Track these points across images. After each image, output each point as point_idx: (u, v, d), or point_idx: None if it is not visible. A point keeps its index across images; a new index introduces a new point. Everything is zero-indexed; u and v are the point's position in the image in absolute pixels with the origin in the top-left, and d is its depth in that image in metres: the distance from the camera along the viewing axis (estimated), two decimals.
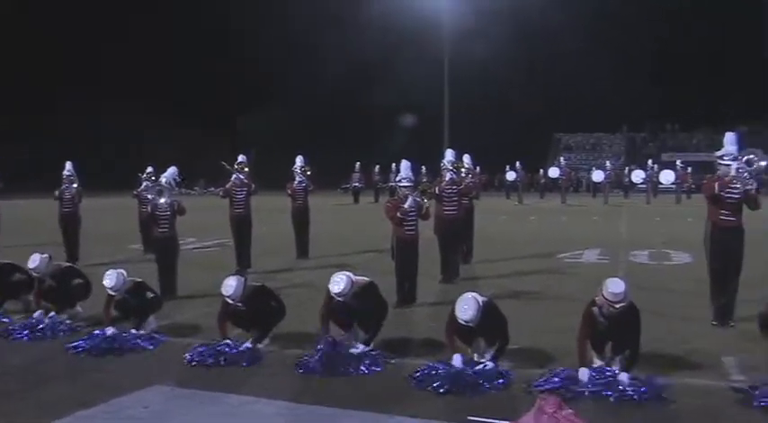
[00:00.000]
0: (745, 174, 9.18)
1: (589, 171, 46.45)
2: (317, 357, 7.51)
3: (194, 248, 17.56)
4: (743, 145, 9.66)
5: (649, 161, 42.13)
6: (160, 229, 11.88)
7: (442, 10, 46.52)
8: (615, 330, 6.94)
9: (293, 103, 55.38)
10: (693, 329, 9.07)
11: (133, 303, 8.93)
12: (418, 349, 8.24)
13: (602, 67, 55.36)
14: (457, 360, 7.13)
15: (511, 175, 41.22)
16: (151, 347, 8.43)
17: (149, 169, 16.98)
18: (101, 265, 12.91)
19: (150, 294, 9.25)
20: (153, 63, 54.10)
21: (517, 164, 39.81)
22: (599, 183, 40.80)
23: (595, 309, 6.97)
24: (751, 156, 9.39)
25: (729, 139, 9.47)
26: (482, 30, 49.38)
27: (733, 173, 9.16)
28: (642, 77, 56.35)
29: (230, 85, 55.43)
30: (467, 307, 7.06)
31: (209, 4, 55.36)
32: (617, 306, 6.77)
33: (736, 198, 9.21)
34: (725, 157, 9.31)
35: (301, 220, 16.47)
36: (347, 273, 7.82)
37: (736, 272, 9.39)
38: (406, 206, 10.87)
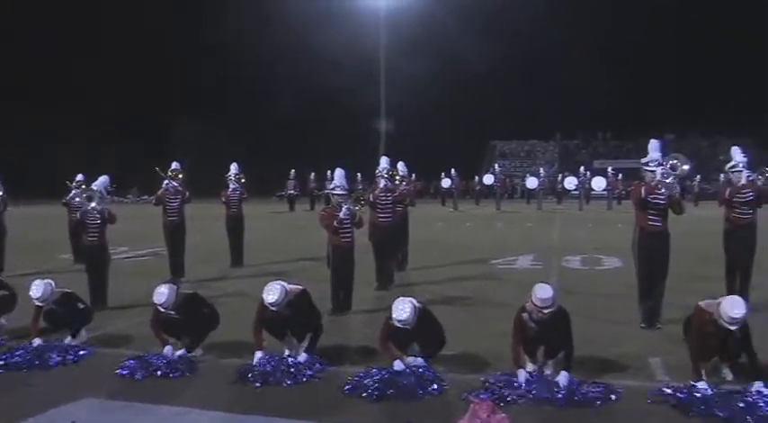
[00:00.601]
0: (670, 179, 9.44)
1: (523, 178, 47.02)
2: (255, 372, 7.48)
3: (127, 258, 17.27)
4: (667, 151, 9.97)
5: (581, 168, 42.82)
6: (89, 238, 11.63)
7: (379, 15, 46.65)
8: (546, 335, 7.05)
9: (227, 110, 54.96)
10: (623, 332, 9.28)
11: (62, 314, 8.74)
12: (353, 357, 8.24)
13: (536, 76, 56.33)
14: (398, 366, 7.17)
15: (446, 182, 41.50)
16: (80, 356, 8.27)
17: (79, 177, 16.61)
18: (27, 275, 12.57)
19: (80, 305, 9.06)
20: (83, 70, 53.06)
21: (452, 171, 40.13)
22: (533, 189, 41.31)
23: (525, 314, 7.07)
24: (674, 161, 9.65)
25: (654, 146, 9.75)
26: (418, 37, 49.74)
27: (658, 178, 9.42)
28: (575, 86, 57.26)
29: (163, 92, 54.62)
30: (403, 309, 7.11)
31: (139, 9, 54.50)
32: (545, 311, 6.88)
33: (662, 203, 9.47)
34: (650, 164, 9.58)
35: (235, 227, 16.36)
36: (281, 282, 7.77)
37: (663, 275, 9.65)
38: (341, 215, 10.88)
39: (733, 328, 6.64)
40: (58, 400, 6.82)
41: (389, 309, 7.27)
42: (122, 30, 54.44)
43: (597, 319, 9.83)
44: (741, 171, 10.69)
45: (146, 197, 40.15)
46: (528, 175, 45.25)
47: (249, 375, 7.40)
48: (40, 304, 8.58)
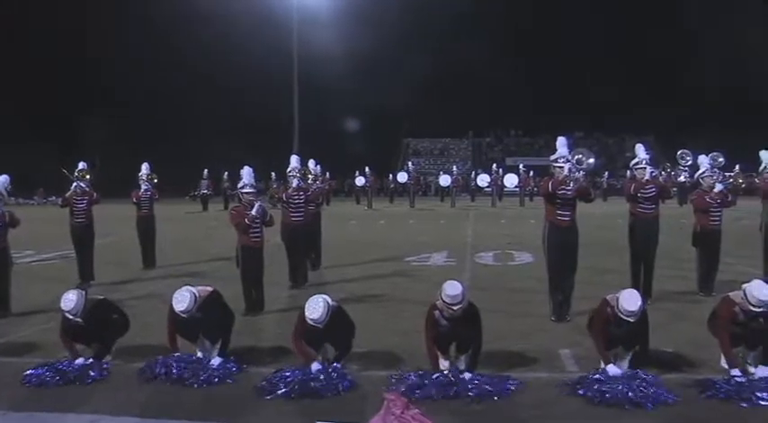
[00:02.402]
0: (577, 173, 9.71)
1: (437, 175, 47.50)
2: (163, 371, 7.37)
3: (33, 261, 16.74)
4: (575, 148, 10.26)
5: (494, 165, 43.47)
6: None
7: (291, 12, 46.37)
8: (457, 331, 7.15)
9: (136, 108, 53.72)
10: (533, 325, 9.48)
11: None
12: (267, 356, 8.18)
13: (449, 74, 56.81)
14: (315, 367, 7.17)
15: (360, 181, 41.61)
16: None
17: None
18: None
19: None
20: None
21: (366, 169, 40.29)
22: (446, 187, 41.77)
23: (436, 312, 7.17)
24: (579, 156, 9.91)
25: (561, 142, 10.01)
26: (331, 33, 49.59)
27: (566, 173, 9.67)
28: (486, 85, 58.11)
29: (71, 90, 53.05)
30: (315, 307, 7.11)
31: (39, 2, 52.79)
32: (455, 308, 6.98)
33: (569, 196, 9.73)
34: (558, 160, 9.82)
35: (147, 228, 16.02)
36: (189, 288, 7.66)
37: (572, 269, 9.92)
38: (253, 213, 10.80)
39: (631, 319, 6.91)
40: None
41: (303, 308, 7.26)
42: (30, 25, 52.66)
43: (509, 314, 10.05)
44: (645, 168, 11.13)
45: (53, 198, 38.90)
46: (441, 172, 45.75)
47: (162, 372, 7.33)
48: None
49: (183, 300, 7.46)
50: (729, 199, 11.64)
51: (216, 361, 7.57)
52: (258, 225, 10.91)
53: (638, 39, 55.25)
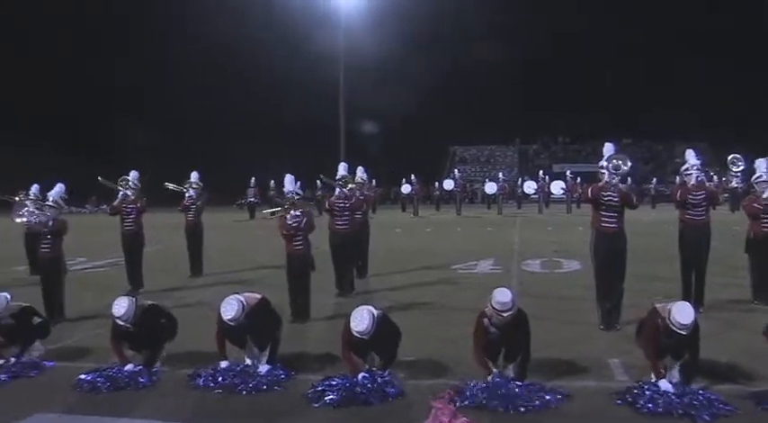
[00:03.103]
0: (615, 179, 9.57)
1: (483, 183, 47.29)
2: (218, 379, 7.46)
3: (85, 268, 17.02)
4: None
5: (541, 172, 43.21)
6: (42, 249, 11.38)
7: (339, 18, 46.52)
8: (506, 338, 7.09)
9: (183, 118, 54.33)
10: (582, 334, 9.36)
11: (17, 329, 8.53)
12: (314, 363, 8.19)
13: (496, 81, 56.60)
14: (362, 376, 7.15)
15: (406, 188, 41.65)
16: (34, 375, 8.07)
17: (34, 188, 16.28)
18: None
19: (37, 319, 8.87)
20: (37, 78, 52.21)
21: (412, 177, 40.31)
22: (492, 194, 41.56)
23: (485, 319, 7.11)
24: (615, 161, 9.74)
25: (608, 148, 9.87)
26: (379, 42, 49.70)
27: (606, 179, 9.56)
28: (535, 91, 57.85)
29: (114, 101, 53.71)
30: (361, 319, 7.09)
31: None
32: (505, 315, 6.92)
33: (615, 202, 9.59)
34: (603, 166, 9.71)
35: (194, 236, 16.21)
36: (237, 297, 7.70)
37: (620, 277, 9.76)
38: (288, 221, 10.87)
39: (683, 332, 6.74)
40: (12, 415, 6.68)
41: (349, 318, 7.25)
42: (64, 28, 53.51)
43: (556, 322, 9.92)
44: (691, 173, 10.92)
45: (104, 207, 39.47)
46: (487, 179, 45.52)
47: (210, 382, 7.38)
48: None
49: (230, 308, 7.50)
50: None
51: (264, 368, 7.61)
52: (300, 233, 10.95)
53: (691, 41, 54.46)
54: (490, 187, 41.57)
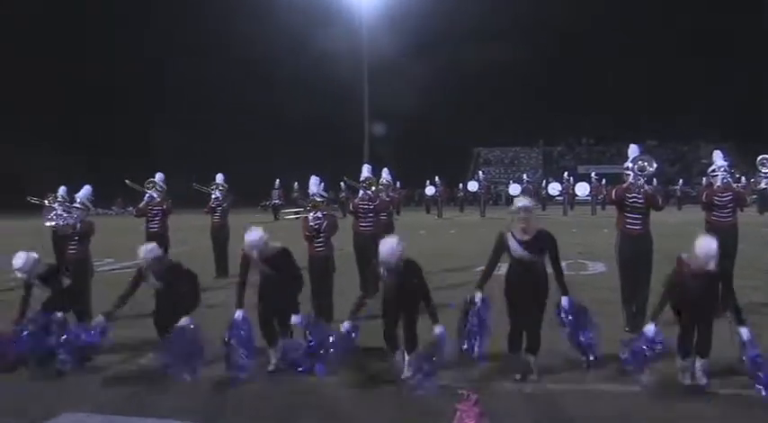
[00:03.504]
0: (640, 181, 9.51)
1: (507, 184, 47.17)
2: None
3: (112, 269, 17.14)
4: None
5: (565, 174, 43.02)
6: (70, 251, 11.51)
7: (361, 18, 46.64)
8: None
9: (208, 119, 54.59)
10: (607, 337, 9.27)
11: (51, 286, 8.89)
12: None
13: (519, 83, 56.54)
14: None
15: (430, 190, 41.68)
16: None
17: (61, 190, 16.45)
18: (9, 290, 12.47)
19: (66, 281, 9.24)
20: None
21: (436, 178, 40.30)
22: (516, 196, 41.27)
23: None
24: (641, 163, 9.70)
25: (633, 150, 9.84)
26: (401, 43, 49.79)
27: (631, 180, 9.51)
28: (558, 93, 57.72)
29: (139, 102, 54.00)
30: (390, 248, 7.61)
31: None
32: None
33: (640, 204, 9.54)
34: (629, 167, 9.68)
35: (219, 237, 16.33)
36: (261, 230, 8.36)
37: (646, 279, 9.69)
38: (310, 223, 10.91)
39: (711, 264, 6.83)
40: (37, 417, 6.75)
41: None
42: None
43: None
44: (718, 175, 10.92)
45: (130, 209, 39.79)
46: (511, 181, 45.42)
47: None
48: (22, 275, 8.74)
49: (254, 232, 8.31)
50: None
51: (297, 319, 8.07)
52: (322, 235, 10.98)
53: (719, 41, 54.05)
54: (514, 189, 41.53)
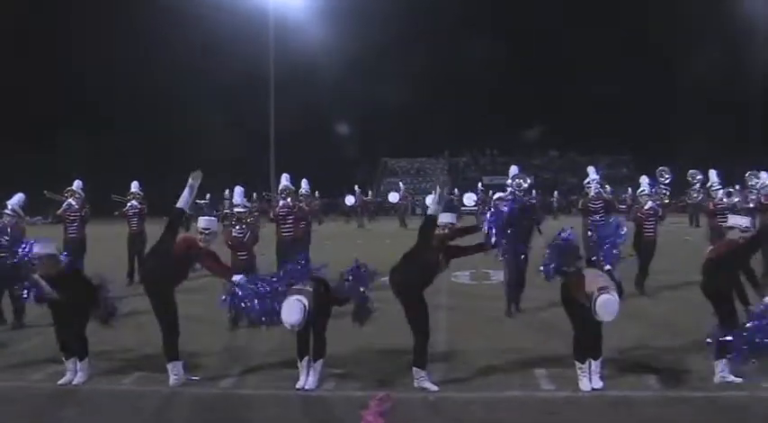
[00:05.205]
0: (518, 194, 11.83)
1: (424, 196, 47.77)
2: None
3: None
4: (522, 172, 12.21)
5: (479, 184, 43.79)
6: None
7: (269, 38, 46.67)
8: None
9: (119, 125, 53.45)
10: (509, 344, 9.82)
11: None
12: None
13: (423, 93, 57.07)
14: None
15: (350, 200, 42.27)
16: None
17: None
18: None
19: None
20: None
21: (356, 188, 41.01)
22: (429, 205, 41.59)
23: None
24: (518, 180, 12.24)
25: (513, 169, 12.61)
26: (307, 54, 49.72)
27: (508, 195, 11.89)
28: (461, 103, 58.59)
29: (50, 106, 52.34)
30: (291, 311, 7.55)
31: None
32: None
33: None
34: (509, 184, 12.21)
35: (135, 244, 16.55)
36: None
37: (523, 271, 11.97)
38: (234, 234, 11.62)
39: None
40: None
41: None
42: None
43: (483, 333, 10.48)
44: (591, 186, 14.82)
45: (38, 218, 38.49)
46: (433, 192, 45.90)
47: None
48: None
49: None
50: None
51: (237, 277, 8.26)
52: (244, 246, 11.68)
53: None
54: (430, 199, 41.69)
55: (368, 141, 60.04)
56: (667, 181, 14.95)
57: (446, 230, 8.32)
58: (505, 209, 10.75)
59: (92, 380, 8.23)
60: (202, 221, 8.63)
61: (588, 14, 55.29)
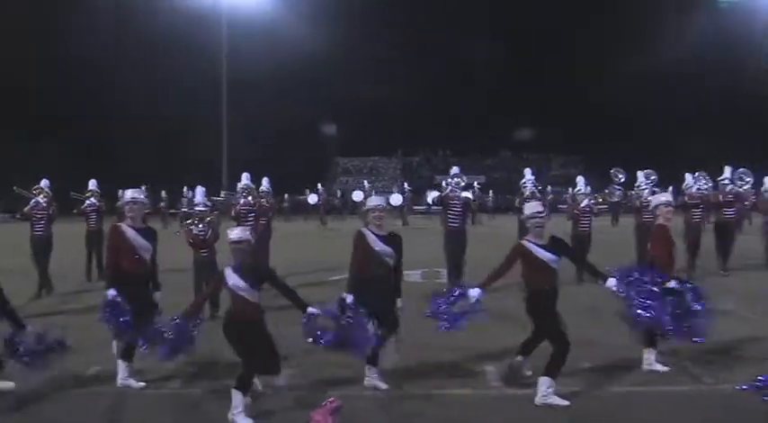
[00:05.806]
0: (457, 191, 15.12)
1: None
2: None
3: None
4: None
5: (444, 183, 44.16)
6: None
7: (221, 34, 46.83)
8: None
9: (79, 126, 52.84)
10: (458, 343, 9.53)
11: None
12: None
13: (377, 92, 57.49)
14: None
15: (313, 198, 42.58)
16: None
17: None
18: None
19: None
20: None
21: (319, 186, 41.41)
22: (396, 206, 41.32)
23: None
24: (456, 179, 15.16)
25: (454, 170, 15.42)
26: (259, 53, 49.84)
27: (449, 191, 15.01)
28: (414, 103, 59.09)
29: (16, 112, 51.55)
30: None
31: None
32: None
33: (458, 209, 15.08)
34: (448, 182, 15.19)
35: (93, 242, 16.94)
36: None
37: (462, 259, 14.67)
38: (195, 232, 12.12)
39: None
40: None
41: None
42: None
43: (434, 332, 10.69)
44: (527, 185, 17.26)
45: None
46: (395, 191, 46.51)
47: None
48: None
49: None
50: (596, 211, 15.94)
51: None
52: (206, 243, 12.16)
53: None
54: (396, 199, 42.07)
55: (320, 140, 60.20)
56: (621, 181, 16.59)
57: (377, 213, 8.08)
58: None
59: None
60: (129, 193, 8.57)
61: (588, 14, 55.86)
